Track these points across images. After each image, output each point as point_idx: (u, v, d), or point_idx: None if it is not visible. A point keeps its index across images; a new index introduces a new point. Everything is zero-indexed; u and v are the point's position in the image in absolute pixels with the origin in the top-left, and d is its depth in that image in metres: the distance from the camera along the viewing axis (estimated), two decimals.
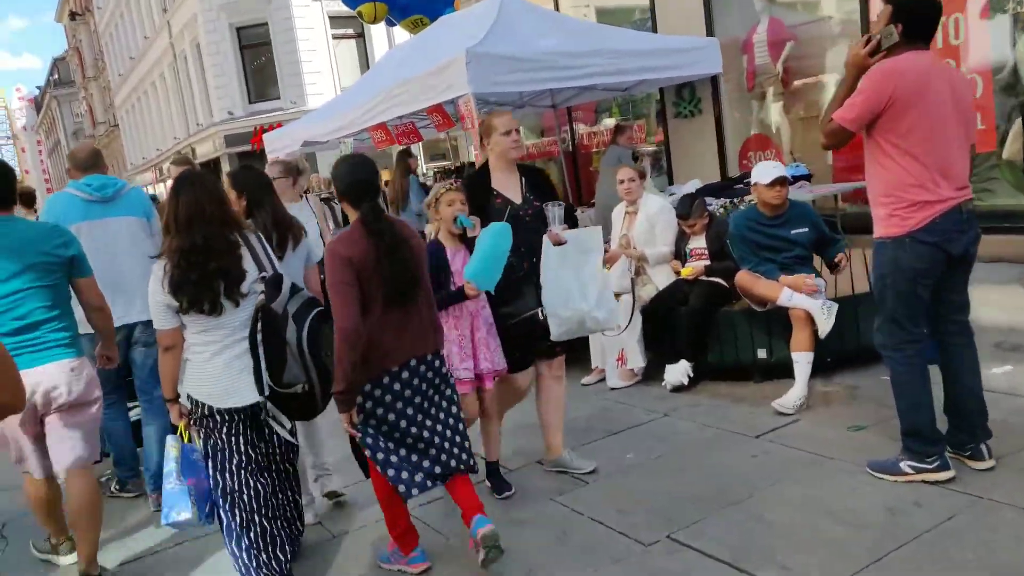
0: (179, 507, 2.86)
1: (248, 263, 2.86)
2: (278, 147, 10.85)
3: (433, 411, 2.98)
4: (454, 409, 3.07)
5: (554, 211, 3.46)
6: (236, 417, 2.91)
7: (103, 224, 4.00)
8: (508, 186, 3.68)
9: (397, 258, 2.80)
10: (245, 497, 2.94)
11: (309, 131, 9.66)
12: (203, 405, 2.90)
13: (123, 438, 4.54)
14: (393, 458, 2.87)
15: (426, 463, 2.92)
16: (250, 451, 2.96)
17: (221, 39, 23.96)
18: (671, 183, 8.55)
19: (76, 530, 3.39)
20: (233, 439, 2.93)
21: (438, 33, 8.29)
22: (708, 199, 5.88)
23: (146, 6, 30.30)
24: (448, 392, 3.05)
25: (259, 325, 2.79)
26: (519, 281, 3.54)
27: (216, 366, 2.85)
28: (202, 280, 2.76)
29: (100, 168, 4.25)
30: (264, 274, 2.88)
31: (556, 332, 3.53)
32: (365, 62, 25.02)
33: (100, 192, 4.03)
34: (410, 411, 2.90)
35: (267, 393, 2.81)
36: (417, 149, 23.65)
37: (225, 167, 24.98)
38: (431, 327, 2.98)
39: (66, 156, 4.59)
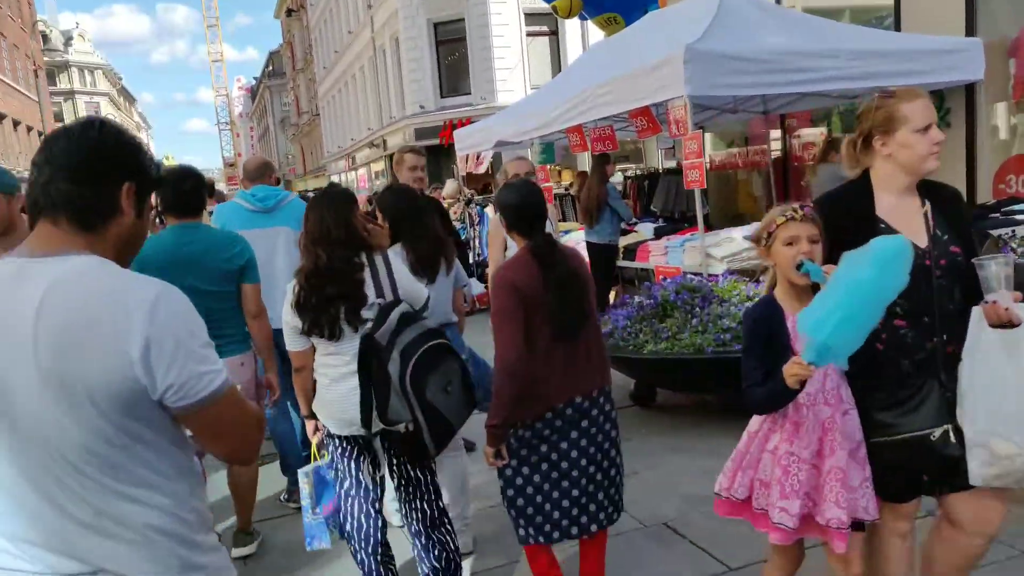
0: (319, 538, 2.96)
1: (369, 287, 2.75)
2: (468, 144, 10.68)
3: (599, 456, 2.74)
4: (617, 458, 2.82)
5: (995, 269, 2.04)
6: (355, 444, 2.88)
7: (264, 233, 4.15)
8: (904, 215, 2.31)
9: (568, 291, 2.63)
10: (353, 527, 2.90)
11: (502, 130, 9.34)
12: (326, 428, 2.91)
13: (289, 443, 4.41)
14: (539, 498, 2.70)
15: (575, 512, 2.71)
16: (367, 481, 2.91)
17: (418, 34, 24.59)
18: None
19: (237, 499, 3.80)
20: (352, 464, 2.90)
21: (645, 31, 7.67)
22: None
23: (353, 2, 31.86)
24: (613, 434, 2.81)
25: (363, 355, 2.67)
26: (916, 372, 2.25)
27: (334, 393, 2.81)
28: (321, 303, 2.71)
29: (267, 179, 4.50)
30: (380, 300, 2.74)
31: (981, 475, 2.14)
32: (557, 61, 24.82)
33: (263, 203, 4.25)
34: (574, 453, 2.69)
35: (376, 429, 2.74)
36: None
37: None
38: (599, 363, 2.78)
39: (242, 165, 4.92)
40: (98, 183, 1.38)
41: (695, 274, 5.46)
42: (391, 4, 25.70)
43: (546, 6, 24.85)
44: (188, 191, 3.51)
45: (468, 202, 10.71)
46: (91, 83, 63.78)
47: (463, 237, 9.87)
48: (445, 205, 9.93)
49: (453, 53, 25.08)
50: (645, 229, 7.54)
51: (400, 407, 2.61)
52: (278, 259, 4.18)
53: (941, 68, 6.40)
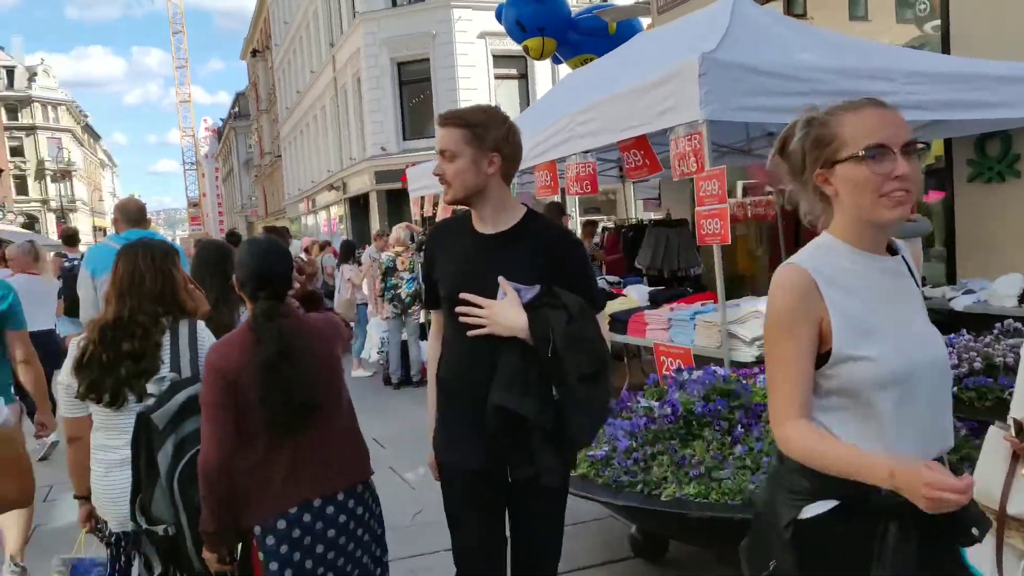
0: None
1: (165, 353, 2.45)
2: (423, 185, 9.17)
3: (354, 570, 2.34)
4: (378, 561, 2.44)
5: None
6: (126, 542, 2.50)
7: None
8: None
9: (277, 375, 2.16)
10: None
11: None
12: (104, 523, 2.55)
13: None
14: None
15: None
16: None
17: (381, 73, 23.42)
18: (952, 279, 6.03)
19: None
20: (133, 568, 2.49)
21: (638, 48, 6.27)
22: None
23: (315, 41, 30.73)
24: (368, 539, 2.39)
25: (136, 436, 2.31)
26: None
27: (112, 482, 2.45)
28: (109, 362, 2.38)
29: (143, 224, 4.62)
30: (173, 374, 2.42)
31: None
32: (527, 105, 23.73)
33: None
34: (309, 564, 2.24)
35: (138, 524, 2.32)
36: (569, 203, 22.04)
37: (375, 203, 24.22)
38: (346, 458, 2.35)
39: (119, 208, 4.78)
40: None
41: (715, 363, 3.92)
42: (354, 42, 24.50)
43: (516, 48, 23.95)
44: None
45: (420, 247, 9.12)
46: (54, 119, 62.16)
47: (411, 289, 8.27)
48: (392, 254, 8.36)
49: (417, 94, 23.91)
50: (636, 292, 5.98)
51: (164, 506, 2.28)
52: None
53: (1008, 101, 5.04)
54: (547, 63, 24.61)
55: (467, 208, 2.31)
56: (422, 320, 8.66)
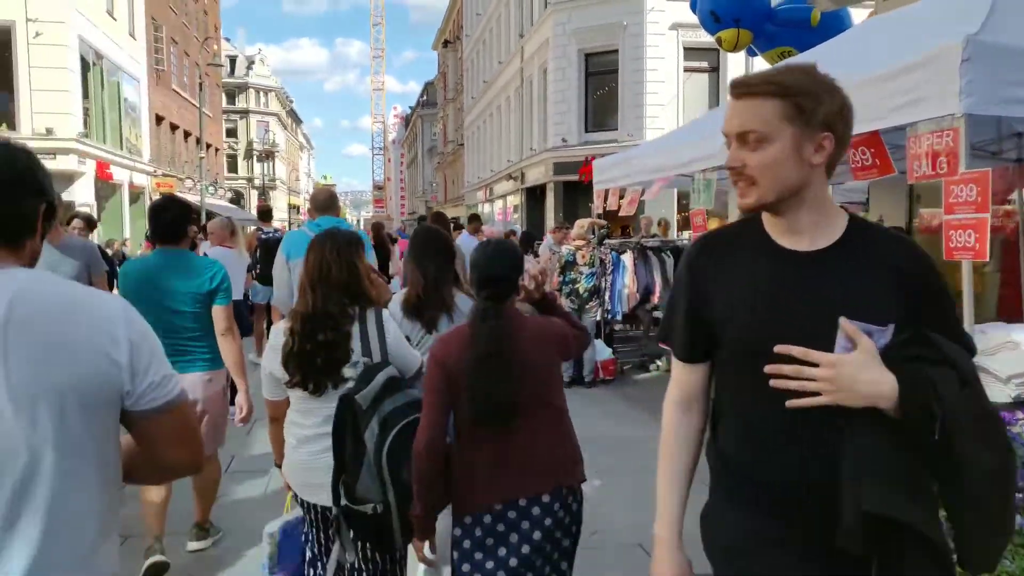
0: None
1: (355, 342, 2.53)
2: (608, 178, 8.87)
3: (546, 570, 2.28)
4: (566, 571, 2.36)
5: None
6: (316, 512, 2.62)
7: None
8: None
9: (492, 367, 2.18)
10: None
11: (651, 162, 7.46)
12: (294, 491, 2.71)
13: None
14: None
15: None
16: (323, 554, 2.63)
17: (568, 64, 23.30)
18: None
19: (198, 495, 4.05)
20: (313, 532, 2.66)
21: (866, 34, 5.59)
22: None
23: (505, 32, 31.16)
24: (567, 544, 2.33)
25: (338, 418, 2.41)
26: None
27: (300, 455, 2.60)
28: (309, 353, 2.51)
29: (333, 211, 4.88)
30: (365, 359, 2.51)
31: None
32: (716, 100, 22.75)
33: None
34: (513, 562, 2.23)
35: (341, 505, 2.41)
36: None
37: (551, 195, 24.22)
38: (548, 462, 2.29)
39: (311, 196, 5.19)
40: (26, 203, 1.41)
41: None
42: (543, 33, 24.56)
43: (709, 40, 22.92)
44: (167, 221, 3.79)
45: (601, 241, 8.83)
46: (264, 104, 67.52)
47: (590, 284, 7.99)
48: (572, 247, 8.12)
49: (603, 86, 23.58)
50: None
51: (371, 485, 2.34)
52: None
53: None
54: (741, 56, 23.40)
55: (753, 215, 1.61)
56: (598, 318, 8.36)
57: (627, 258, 8.82)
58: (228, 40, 65.01)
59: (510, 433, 2.25)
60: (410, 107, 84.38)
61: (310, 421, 2.57)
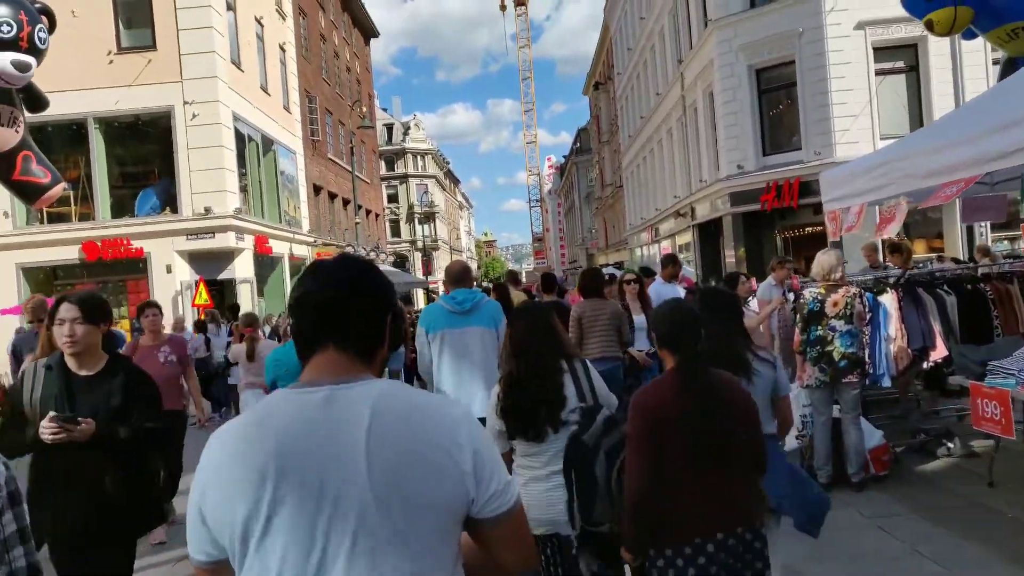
0: None
1: (569, 391, 2.91)
2: (847, 193, 6.56)
3: None
4: None
5: None
6: (549, 545, 2.90)
7: (460, 332, 4.73)
8: None
9: (706, 419, 2.48)
10: None
11: (932, 158, 5.13)
12: None
13: None
14: None
15: None
16: None
17: (738, 83, 20.89)
18: None
19: None
20: (544, 565, 2.91)
21: None
22: None
23: (661, 61, 29.17)
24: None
25: (570, 456, 2.77)
26: None
27: (533, 492, 2.88)
28: (526, 406, 2.87)
29: (465, 283, 5.00)
30: (582, 404, 2.88)
31: None
32: (917, 103, 19.49)
33: (460, 305, 4.77)
34: None
35: (577, 529, 2.76)
36: None
37: (728, 229, 21.63)
38: (747, 498, 2.56)
39: (445, 270, 5.35)
40: (381, 316, 1.53)
41: None
42: (706, 53, 22.33)
43: (902, 35, 19.69)
44: None
45: (871, 287, 6.52)
46: (422, 167, 69.42)
47: (849, 348, 5.66)
48: (819, 291, 5.85)
49: (780, 103, 20.92)
50: None
51: (604, 508, 2.66)
52: (473, 355, 4.69)
53: None
54: (945, 47, 20.09)
55: None
56: (861, 390, 5.95)
57: (888, 300, 6.36)
58: (385, 110, 67.58)
59: (711, 475, 2.48)
60: (564, 156, 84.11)
61: (538, 462, 2.93)
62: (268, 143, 22.86)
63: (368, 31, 39.94)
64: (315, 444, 1.36)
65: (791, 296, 6.87)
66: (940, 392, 6.73)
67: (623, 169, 40.98)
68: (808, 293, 5.93)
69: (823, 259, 5.92)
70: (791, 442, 6.06)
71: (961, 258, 14.09)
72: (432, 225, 66.79)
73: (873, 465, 5.88)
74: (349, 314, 1.47)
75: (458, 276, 4.96)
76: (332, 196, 30.50)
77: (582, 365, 2.98)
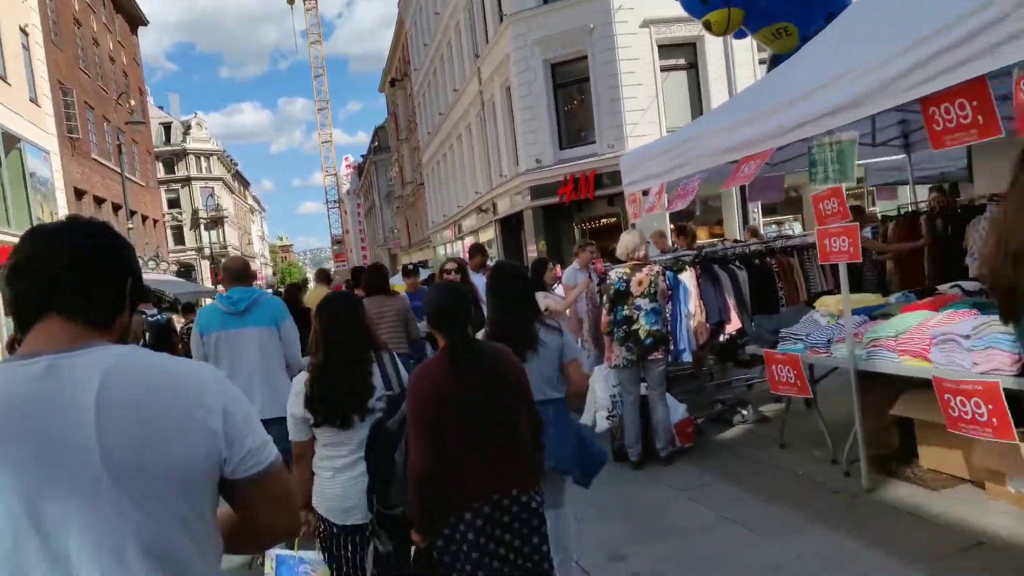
0: None
1: (376, 380, 2.95)
2: (647, 175, 6.69)
3: (526, 564, 2.64)
4: (541, 561, 2.68)
5: None
6: (356, 534, 2.91)
7: (236, 334, 4.49)
8: None
9: (483, 392, 2.60)
10: None
11: (726, 135, 5.28)
12: (325, 519, 2.94)
13: None
14: None
15: None
16: (368, 568, 2.93)
17: (534, 79, 21.29)
18: None
19: None
20: (351, 554, 2.91)
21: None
22: None
23: (458, 56, 29.21)
24: (535, 540, 2.68)
25: (371, 442, 2.81)
26: None
27: (336, 484, 2.92)
28: (334, 394, 2.88)
29: (245, 281, 4.74)
30: (388, 392, 2.93)
31: None
32: (697, 98, 20.90)
33: (235, 306, 4.53)
34: (486, 558, 2.58)
35: (373, 511, 2.83)
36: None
37: (529, 223, 22.04)
38: (522, 465, 2.69)
39: (223, 267, 5.02)
40: (114, 280, 1.43)
41: None
42: (502, 48, 22.56)
43: (683, 34, 21.02)
44: None
45: (671, 266, 6.61)
46: (207, 169, 64.96)
47: (654, 326, 5.72)
48: (625, 271, 5.85)
49: (575, 98, 21.61)
50: None
51: (400, 492, 2.70)
52: (250, 356, 4.47)
53: None
54: (719, 49, 21.79)
55: None
56: (666, 366, 6.03)
57: (687, 278, 6.53)
58: (161, 108, 62.40)
59: (492, 445, 2.60)
60: (362, 155, 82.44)
61: (343, 451, 2.92)
62: (12, 140, 19.58)
63: (135, 19, 36.15)
64: (32, 420, 1.24)
65: (596, 279, 6.88)
66: (733, 363, 7.05)
67: (423, 166, 40.73)
68: (614, 273, 5.92)
69: (627, 239, 5.93)
70: (602, 423, 6.04)
71: (740, 239, 15.18)
72: (220, 231, 62.61)
73: (679, 438, 5.99)
74: (77, 280, 1.36)
75: (238, 273, 4.70)
76: (99, 201, 27.00)
77: (389, 356, 3.04)
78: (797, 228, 19.64)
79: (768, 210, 21.51)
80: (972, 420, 3.77)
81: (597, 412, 6.10)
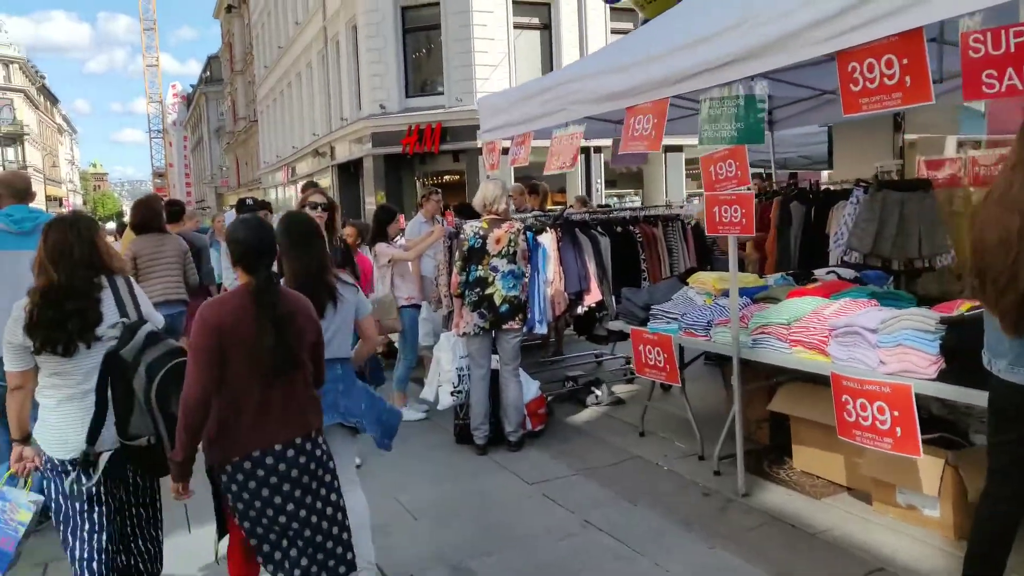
0: None
1: (107, 307, 2.80)
2: (508, 122, 5.92)
3: (317, 504, 2.61)
4: (339, 512, 2.69)
5: None
6: (75, 468, 2.76)
7: (18, 256, 3.92)
8: None
9: (279, 334, 2.52)
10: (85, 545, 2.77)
11: (593, 85, 4.60)
12: (45, 453, 2.81)
13: None
14: (266, 547, 2.55)
15: (304, 562, 2.57)
16: (92, 498, 2.78)
17: (382, 19, 19.88)
18: None
19: None
20: (74, 487, 2.77)
21: None
22: None
23: None
24: (329, 479, 2.67)
25: (105, 371, 2.70)
26: None
27: (59, 415, 2.76)
28: (58, 320, 2.70)
29: (27, 199, 4.38)
30: (124, 320, 2.80)
31: None
32: (549, 59, 20.42)
33: (19, 225, 4.15)
34: (278, 500, 2.53)
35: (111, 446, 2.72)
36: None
37: (370, 170, 20.72)
38: (308, 408, 2.66)
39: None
40: None
41: None
42: None
43: None
44: None
45: (530, 226, 5.87)
46: (5, 78, 57.18)
47: (511, 291, 4.99)
48: (481, 226, 5.07)
49: (425, 45, 20.41)
50: None
51: (142, 422, 2.66)
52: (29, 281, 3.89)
53: None
54: (573, 13, 21.35)
55: None
56: (521, 338, 5.32)
57: (547, 240, 5.83)
58: None
59: (278, 387, 2.53)
60: (191, 85, 75.88)
61: (68, 382, 2.73)
62: None
63: None
64: None
65: (447, 228, 6.06)
66: (589, 338, 6.48)
67: (258, 102, 37.73)
68: (469, 228, 5.10)
69: (487, 188, 5.12)
70: (445, 399, 5.24)
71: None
72: (19, 148, 55.57)
73: (530, 420, 5.33)
74: None
75: (21, 190, 4.33)
76: None
77: (125, 281, 2.90)
78: (637, 203, 19.76)
79: (608, 183, 21.57)
80: (871, 428, 3.33)
81: (440, 386, 5.30)
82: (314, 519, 2.58)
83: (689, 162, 22.51)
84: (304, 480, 2.56)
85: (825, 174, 8.86)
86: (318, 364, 2.73)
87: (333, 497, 2.66)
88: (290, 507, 2.53)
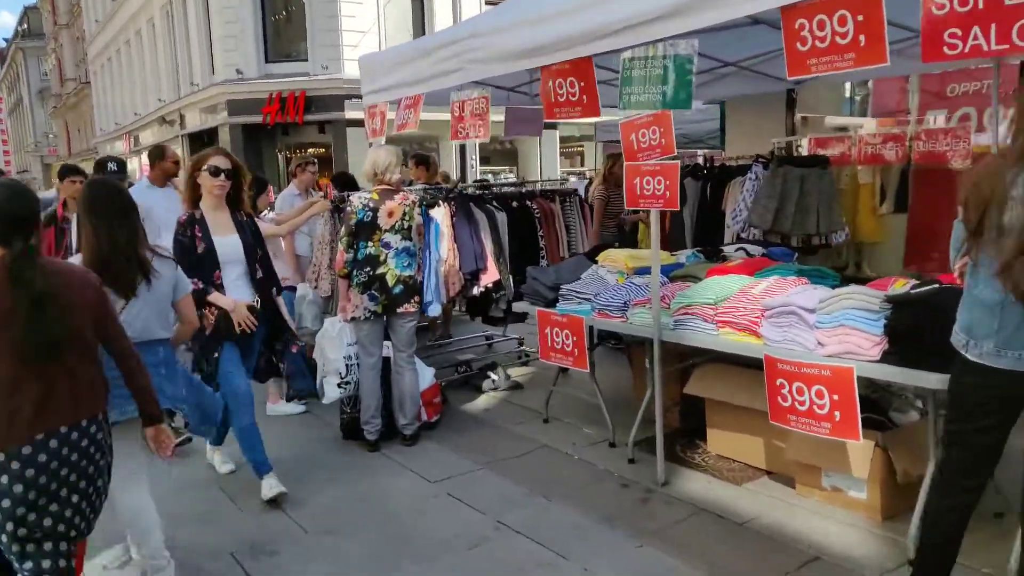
0: None
1: None
2: (395, 83, 5.43)
3: (88, 488, 2.45)
4: (102, 490, 2.55)
5: None
6: None
7: None
8: None
9: (39, 312, 2.28)
10: None
11: (481, 46, 4.21)
12: None
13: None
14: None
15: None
16: None
17: None
18: None
19: None
20: None
21: None
22: None
23: None
24: (103, 462, 2.52)
25: None
26: None
27: None
28: None
29: None
30: None
31: None
32: (420, 27, 19.70)
33: None
34: (63, 492, 2.36)
35: None
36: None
37: (227, 141, 19.25)
38: (86, 390, 2.44)
39: None
40: None
41: None
42: None
43: None
44: None
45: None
46: None
47: (405, 270, 4.53)
48: (371, 197, 4.55)
49: (285, 7, 19.17)
50: None
51: None
52: None
53: None
54: None
55: None
56: (417, 322, 4.84)
57: (440, 215, 5.38)
58: None
59: (54, 369, 2.34)
60: (5, 39, 68.35)
61: None
62: None
63: None
64: None
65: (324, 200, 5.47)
66: (484, 320, 6.09)
67: (90, 62, 34.38)
68: (357, 199, 4.55)
69: (379, 154, 4.59)
70: (332, 391, 4.70)
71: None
72: None
73: (425, 411, 4.89)
74: None
75: None
76: None
77: None
78: (512, 179, 19.57)
79: (483, 159, 21.23)
80: (808, 412, 3.15)
81: (324, 377, 4.74)
82: (77, 502, 2.43)
83: (564, 139, 22.55)
84: (82, 464, 2.40)
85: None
86: (112, 344, 2.54)
87: (100, 482, 2.51)
88: (61, 492, 2.37)
